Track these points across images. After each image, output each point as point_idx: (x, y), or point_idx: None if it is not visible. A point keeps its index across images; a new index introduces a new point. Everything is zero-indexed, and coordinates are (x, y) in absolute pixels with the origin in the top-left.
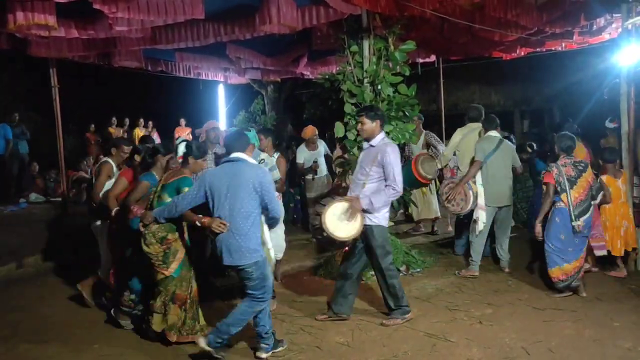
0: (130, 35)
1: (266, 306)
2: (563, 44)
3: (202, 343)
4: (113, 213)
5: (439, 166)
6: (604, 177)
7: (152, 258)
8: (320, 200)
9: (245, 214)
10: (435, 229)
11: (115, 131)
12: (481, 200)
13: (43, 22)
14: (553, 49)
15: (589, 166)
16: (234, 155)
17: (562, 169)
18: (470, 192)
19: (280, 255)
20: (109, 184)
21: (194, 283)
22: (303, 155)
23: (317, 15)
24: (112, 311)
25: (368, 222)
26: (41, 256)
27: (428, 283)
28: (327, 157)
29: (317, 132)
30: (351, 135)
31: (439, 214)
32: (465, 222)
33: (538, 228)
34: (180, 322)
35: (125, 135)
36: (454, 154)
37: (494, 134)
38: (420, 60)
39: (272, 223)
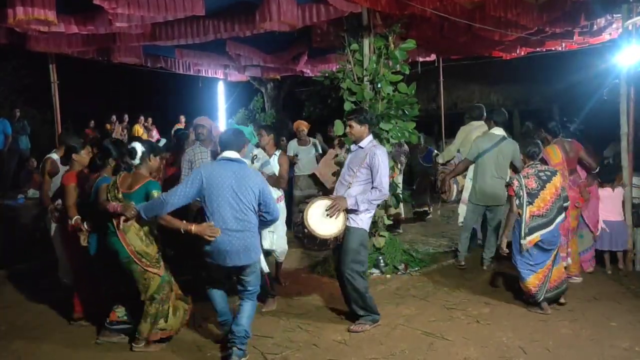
0: (130, 32)
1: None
2: (563, 44)
3: None
4: (73, 222)
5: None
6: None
7: (147, 259)
8: (305, 199)
9: (251, 213)
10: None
11: (111, 127)
12: (465, 194)
13: (42, 17)
14: (553, 49)
15: (557, 173)
16: (234, 155)
17: (524, 181)
18: (455, 186)
19: (282, 258)
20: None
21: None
22: (292, 149)
23: (317, 13)
24: (99, 336)
25: (350, 224)
26: (37, 252)
27: (426, 282)
28: (318, 157)
29: (303, 127)
30: None
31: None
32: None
33: (503, 243)
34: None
35: (125, 132)
36: (458, 151)
37: (498, 131)
38: (420, 59)
39: (268, 224)
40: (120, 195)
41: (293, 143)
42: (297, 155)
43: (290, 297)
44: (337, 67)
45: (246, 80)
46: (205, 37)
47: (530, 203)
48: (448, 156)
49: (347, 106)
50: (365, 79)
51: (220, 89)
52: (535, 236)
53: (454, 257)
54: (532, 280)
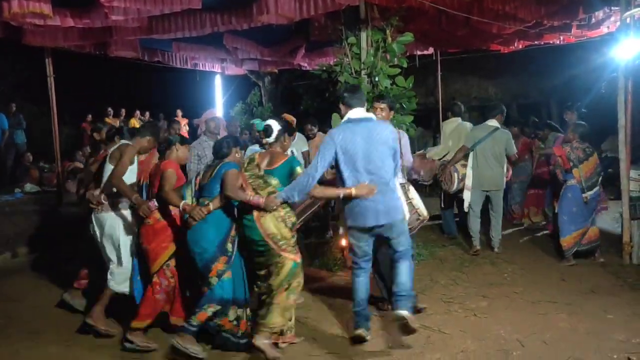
0: (127, 25)
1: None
2: (561, 37)
3: (408, 314)
4: (182, 207)
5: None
6: None
7: (283, 243)
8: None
9: (389, 171)
10: None
11: (112, 121)
12: (468, 182)
13: (38, 11)
14: (551, 42)
15: (595, 152)
16: (360, 114)
17: (575, 150)
18: (456, 175)
19: None
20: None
21: None
22: None
23: (314, 5)
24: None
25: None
26: (36, 246)
27: (423, 275)
28: (305, 154)
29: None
30: None
31: None
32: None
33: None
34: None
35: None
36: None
37: (492, 122)
38: (418, 53)
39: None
40: (261, 173)
41: None
42: None
43: None
44: (335, 60)
45: (243, 74)
46: (202, 30)
47: (581, 164)
48: (443, 151)
49: None
50: (363, 72)
51: (218, 82)
52: (589, 194)
53: (470, 246)
54: (568, 239)
